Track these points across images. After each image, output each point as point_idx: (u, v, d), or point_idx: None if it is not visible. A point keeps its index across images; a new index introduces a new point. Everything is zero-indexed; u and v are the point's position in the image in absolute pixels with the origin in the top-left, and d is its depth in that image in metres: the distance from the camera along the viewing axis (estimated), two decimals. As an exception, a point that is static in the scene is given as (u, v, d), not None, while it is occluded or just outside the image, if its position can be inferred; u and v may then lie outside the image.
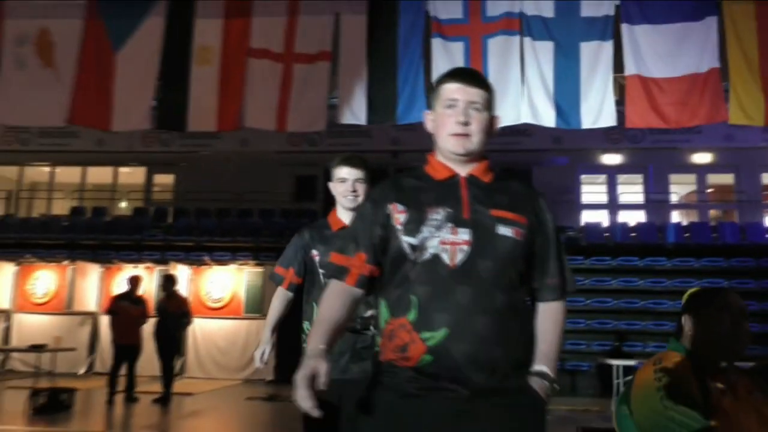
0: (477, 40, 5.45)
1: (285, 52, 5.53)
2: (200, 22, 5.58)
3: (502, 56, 5.43)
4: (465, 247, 1.38)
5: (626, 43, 5.81)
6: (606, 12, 5.72)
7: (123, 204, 14.73)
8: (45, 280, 11.11)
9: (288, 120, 5.39)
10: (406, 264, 1.40)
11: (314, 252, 2.41)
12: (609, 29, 5.72)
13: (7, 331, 10.89)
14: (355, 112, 5.43)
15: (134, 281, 7.77)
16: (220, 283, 10.87)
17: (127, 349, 7.45)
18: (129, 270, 10.82)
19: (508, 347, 1.36)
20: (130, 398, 7.38)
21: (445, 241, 1.38)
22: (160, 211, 12.76)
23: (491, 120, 1.51)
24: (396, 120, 5.54)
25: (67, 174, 14.36)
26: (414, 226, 1.41)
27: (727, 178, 13.12)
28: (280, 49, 5.54)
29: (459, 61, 5.29)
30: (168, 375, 7.47)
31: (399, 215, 1.44)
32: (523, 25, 5.58)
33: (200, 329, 10.35)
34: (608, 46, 5.75)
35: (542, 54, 5.54)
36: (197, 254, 10.99)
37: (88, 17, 5.66)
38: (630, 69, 5.77)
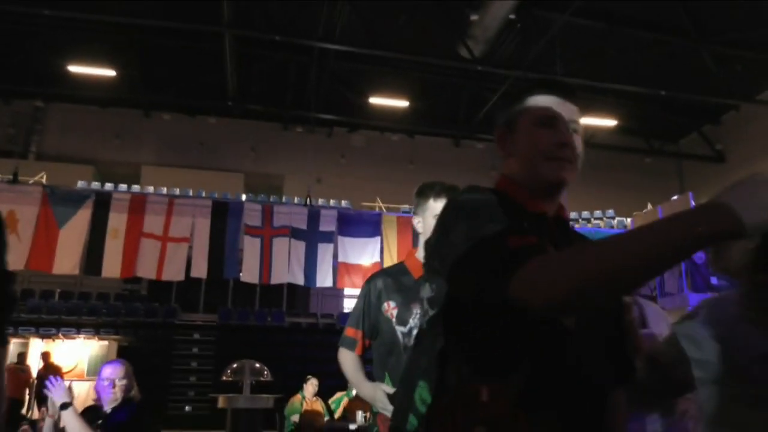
0: (267, 239, 10.85)
1: (163, 235, 10.25)
2: (113, 215, 10.02)
3: (281, 248, 10.83)
4: None
5: (340, 245, 11.54)
6: (332, 228, 11.51)
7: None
8: None
9: (163, 273, 10.02)
10: (503, 320, 0.97)
11: (389, 303, 1.93)
12: (335, 237, 11.45)
13: None
14: (200, 270, 10.24)
15: (22, 356, 11.32)
16: (68, 352, 14.23)
17: (14, 403, 10.91)
18: (-13, 342, 13.58)
19: None
20: (14, 439, 10.81)
21: None
22: (6, 291, 15.47)
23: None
24: (222, 276, 10.54)
25: None
26: None
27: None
28: (161, 233, 10.23)
29: (257, 249, 10.59)
30: (44, 422, 11.06)
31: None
32: (291, 232, 11.05)
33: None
34: (331, 247, 11.42)
35: (299, 247, 11.01)
36: (46, 329, 14.20)
37: (42, 206, 9.76)
38: (340, 258, 11.55)
